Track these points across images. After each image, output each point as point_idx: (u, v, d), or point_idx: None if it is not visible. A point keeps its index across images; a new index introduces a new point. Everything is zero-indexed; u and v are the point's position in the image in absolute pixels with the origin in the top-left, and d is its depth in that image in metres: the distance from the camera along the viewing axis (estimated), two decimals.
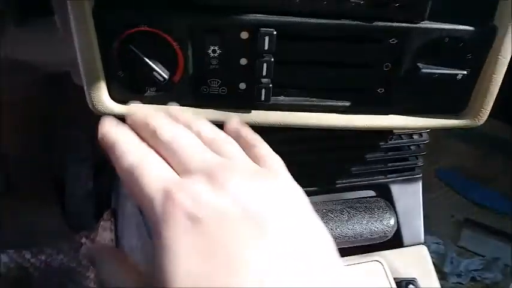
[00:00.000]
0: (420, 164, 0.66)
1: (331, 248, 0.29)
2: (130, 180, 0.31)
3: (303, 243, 0.28)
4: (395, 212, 0.54)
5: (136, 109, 0.41)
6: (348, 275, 0.28)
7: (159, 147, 0.33)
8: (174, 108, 0.44)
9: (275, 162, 0.35)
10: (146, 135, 0.34)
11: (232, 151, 0.34)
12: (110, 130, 0.34)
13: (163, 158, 0.33)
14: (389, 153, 0.63)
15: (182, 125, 0.36)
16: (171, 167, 0.32)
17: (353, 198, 0.50)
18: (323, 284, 0.27)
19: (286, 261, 0.27)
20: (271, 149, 0.37)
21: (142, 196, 0.30)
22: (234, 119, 0.39)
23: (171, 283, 0.26)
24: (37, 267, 0.78)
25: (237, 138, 0.37)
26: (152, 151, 0.33)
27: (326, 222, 0.45)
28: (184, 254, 0.26)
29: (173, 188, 0.29)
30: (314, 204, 0.49)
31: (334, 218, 0.45)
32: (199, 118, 0.37)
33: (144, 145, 0.34)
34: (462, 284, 1.30)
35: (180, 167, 0.32)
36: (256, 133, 0.38)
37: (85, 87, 0.43)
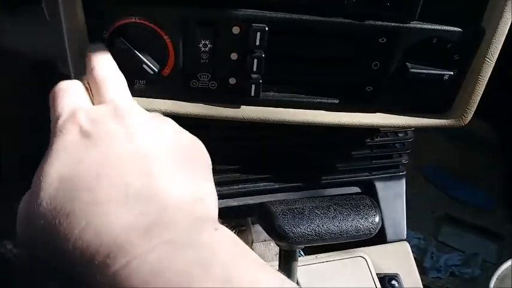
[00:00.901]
0: (405, 161, 0.67)
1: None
2: (53, 100, 0.34)
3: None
4: (380, 209, 0.55)
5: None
6: None
7: (91, 83, 0.36)
8: None
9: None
10: (88, 69, 0.38)
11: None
12: None
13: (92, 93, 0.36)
14: (375, 151, 0.64)
15: None
16: (93, 101, 0.35)
17: (339, 195, 0.51)
18: None
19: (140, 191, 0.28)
20: None
21: (54, 113, 0.33)
22: None
23: (41, 181, 0.28)
24: (19, 257, 0.77)
25: None
26: (84, 82, 0.36)
27: (313, 219, 0.45)
28: (62, 158, 0.29)
29: (79, 110, 0.32)
30: (300, 200, 0.50)
31: (321, 214, 0.45)
32: None
33: (82, 79, 0.37)
34: (441, 278, 1.32)
35: (98, 100, 0.35)
36: None
37: (73, 78, 0.42)
